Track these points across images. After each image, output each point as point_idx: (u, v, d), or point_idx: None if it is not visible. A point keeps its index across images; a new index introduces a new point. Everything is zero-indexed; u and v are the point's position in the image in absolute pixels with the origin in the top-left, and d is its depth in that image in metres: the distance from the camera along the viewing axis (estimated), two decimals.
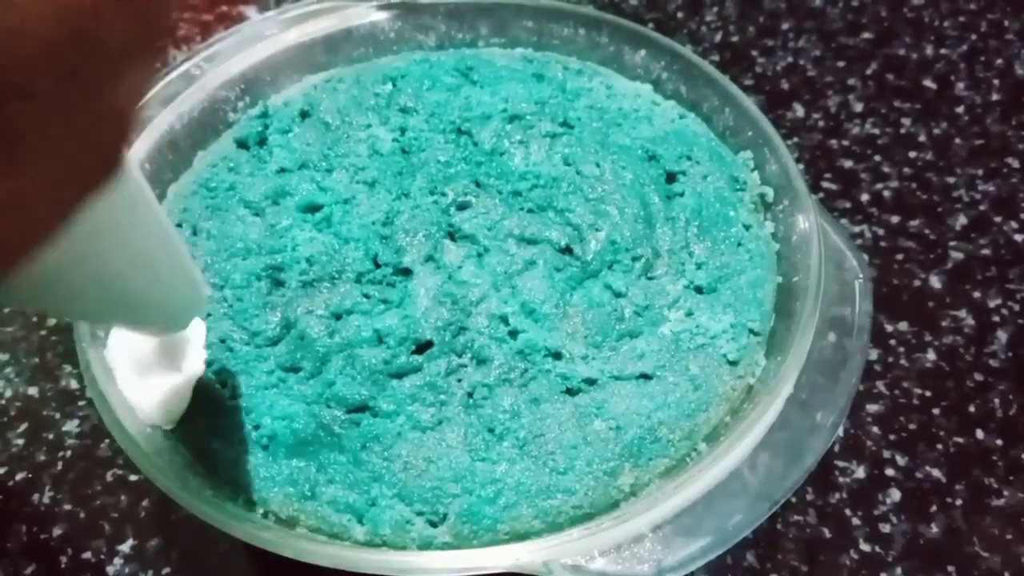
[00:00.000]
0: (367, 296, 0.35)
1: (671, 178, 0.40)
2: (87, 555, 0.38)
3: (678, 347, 0.34)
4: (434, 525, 0.30)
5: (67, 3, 0.13)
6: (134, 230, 0.24)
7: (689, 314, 0.35)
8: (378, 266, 0.36)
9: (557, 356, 0.34)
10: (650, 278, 0.37)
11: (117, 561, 0.38)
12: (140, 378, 0.33)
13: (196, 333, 0.34)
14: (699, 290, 0.36)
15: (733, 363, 0.34)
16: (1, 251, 0.14)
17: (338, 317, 0.35)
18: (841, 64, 0.61)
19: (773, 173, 0.40)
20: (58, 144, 0.14)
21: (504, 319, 0.35)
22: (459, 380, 0.33)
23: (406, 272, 0.36)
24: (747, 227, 0.38)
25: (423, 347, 0.34)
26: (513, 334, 0.34)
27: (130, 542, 0.38)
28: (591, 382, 0.33)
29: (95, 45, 0.14)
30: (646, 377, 0.33)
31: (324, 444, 0.32)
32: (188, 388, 0.33)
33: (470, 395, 0.33)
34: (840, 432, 0.42)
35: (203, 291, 0.30)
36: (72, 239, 0.18)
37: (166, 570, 0.38)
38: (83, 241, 0.20)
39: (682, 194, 0.39)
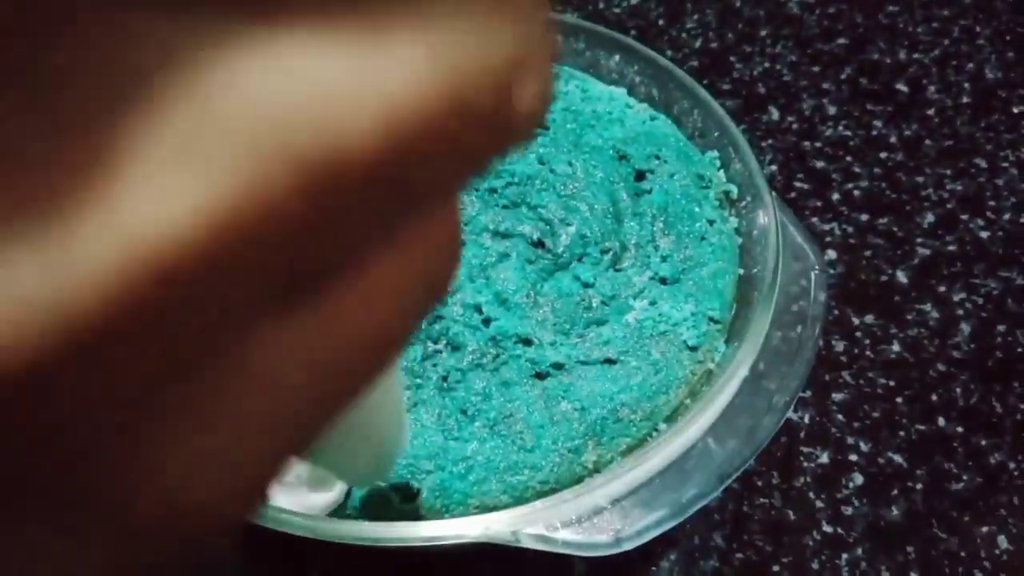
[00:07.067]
0: None
1: (640, 176, 0.42)
2: None
3: (641, 334, 0.36)
4: (408, 500, 0.32)
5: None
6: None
7: (653, 303, 0.37)
8: None
9: (527, 342, 0.36)
10: (617, 270, 0.39)
11: None
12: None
13: None
14: (663, 281, 0.38)
15: (693, 349, 0.36)
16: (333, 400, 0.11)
17: None
18: (816, 69, 0.63)
19: (738, 172, 0.42)
20: (407, 268, 0.10)
21: (478, 308, 0.37)
22: (434, 365, 0.35)
23: None
24: (711, 222, 0.40)
25: None
26: (486, 322, 0.36)
27: None
28: (559, 367, 0.35)
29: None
30: (610, 362, 0.35)
31: None
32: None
33: (444, 379, 0.35)
34: (806, 420, 0.44)
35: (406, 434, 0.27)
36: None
37: None
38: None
39: (650, 191, 0.41)
